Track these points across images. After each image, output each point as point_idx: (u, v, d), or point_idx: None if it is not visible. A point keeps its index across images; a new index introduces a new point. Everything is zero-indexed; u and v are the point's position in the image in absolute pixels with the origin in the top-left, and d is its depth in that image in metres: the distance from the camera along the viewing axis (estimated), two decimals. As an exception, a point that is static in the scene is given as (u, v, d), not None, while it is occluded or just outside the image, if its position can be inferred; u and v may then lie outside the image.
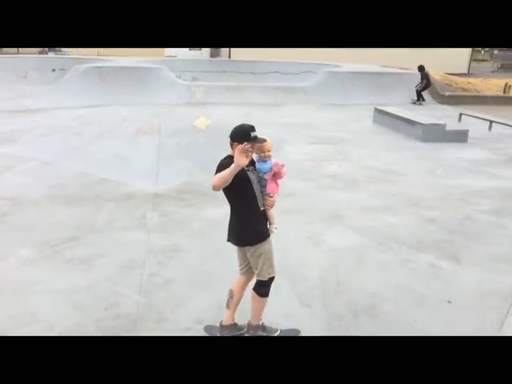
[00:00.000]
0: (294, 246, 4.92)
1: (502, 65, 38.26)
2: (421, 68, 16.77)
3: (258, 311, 3.35)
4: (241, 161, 2.82)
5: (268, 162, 3.24)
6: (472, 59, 36.52)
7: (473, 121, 12.32)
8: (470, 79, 22.85)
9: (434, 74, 18.99)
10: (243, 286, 3.38)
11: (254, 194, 3.18)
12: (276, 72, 20.71)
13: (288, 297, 4.00)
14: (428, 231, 5.43)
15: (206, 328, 3.48)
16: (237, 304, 3.36)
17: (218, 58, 28.81)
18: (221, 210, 5.87)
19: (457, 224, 5.64)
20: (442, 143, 9.93)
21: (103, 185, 6.71)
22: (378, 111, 12.39)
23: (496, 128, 11.67)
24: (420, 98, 16.57)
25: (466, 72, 33.07)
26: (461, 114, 13.03)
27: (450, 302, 3.94)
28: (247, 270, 3.35)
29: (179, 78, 17.53)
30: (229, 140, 3.18)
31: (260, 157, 3.25)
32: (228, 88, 16.30)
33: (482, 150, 9.70)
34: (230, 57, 29.44)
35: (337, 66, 19.02)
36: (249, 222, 3.16)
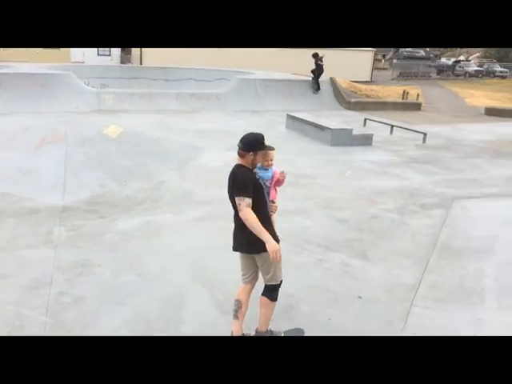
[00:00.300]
0: (211, 254, 4.90)
1: (400, 73, 41.39)
2: (315, 55, 17.77)
3: (268, 317, 3.39)
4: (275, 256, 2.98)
5: (269, 170, 3.32)
6: (374, 68, 39.12)
7: (376, 125, 13.15)
8: (373, 86, 24.41)
9: (341, 81, 20.03)
10: (249, 295, 3.41)
11: (266, 201, 3.26)
12: (190, 79, 20.61)
13: (207, 305, 3.98)
14: (339, 231, 5.69)
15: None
16: (245, 313, 3.37)
17: (129, 65, 28.05)
18: (134, 221, 5.73)
19: (365, 223, 5.97)
20: (350, 147, 10.49)
21: (3, 200, 6.21)
22: (290, 117, 12.79)
23: (397, 132, 12.56)
24: (316, 81, 17.88)
25: (369, 80, 35.36)
26: (365, 119, 13.87)
27: (360, 297, 4.15)
28: (252, 278, 3.40)
29: (87, 84, 16.80)
30: (239, 149, 3.19)
31: (262, 165, 3.28)
32: (140, 95, 15.92)
33: (385, 152, 10.38)
34: (141, 63, 28.78)
35: (249, 73, 19.37)
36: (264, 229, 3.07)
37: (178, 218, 5.93)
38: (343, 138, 10.78)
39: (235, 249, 3.40)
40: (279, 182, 3.38)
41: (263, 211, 3.18)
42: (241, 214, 3.04)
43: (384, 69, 52.37)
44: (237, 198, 3.06)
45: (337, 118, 13.65)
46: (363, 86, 22.92)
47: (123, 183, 7.14)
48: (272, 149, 3.31)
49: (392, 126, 12.76)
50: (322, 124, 11.33)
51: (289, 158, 9.38)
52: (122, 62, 31.69)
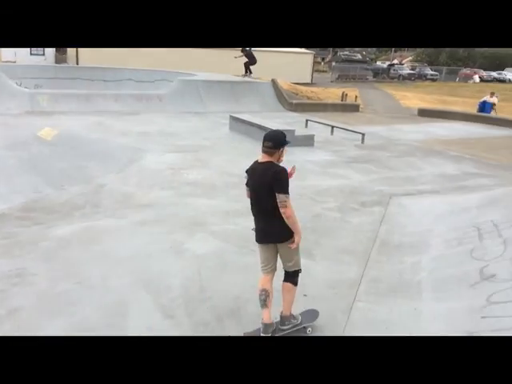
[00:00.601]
0: (155, 258, 4.81)
1: (339, 75, 42.72)
2: (244, 49, 18.80)
3: (291, 301, 3.69)
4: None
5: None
6: (314, 70, 40.08)
7: (317, 126, 13.47)
8: (313, 88, 25.01)
9: (282, 83, 20.34)
10: (272, 284, 3.65)
11: None
12: (130, 80, 20.12)
13: (150, 310, 3.89)
14: (284, 231, 5.75)
15: (247, 334, 3.59)
16: (272, 301, 3.60)
17: (65, 64, 26.94)
18: (73, 227, 5.50)
19: (309, 222, 6.08)
20: (292, 147, 10.60)
21: None
22: (234, 119, 12.80)
23: (337, 132, 12.93)
24: (248, 71, 19.22)
25: (310, 82, 36.17)
26: (307, 121, 14.16)
27: (305, 295, 4.23)
28: (272, 268, 3.66)
29: (19, 85, 15.95)
30: (269, 147, 3.52)
31: (278, 161, 3.55)
32: (77, 96, 15.33)
33: (326, 152, 10.65)
34: (78, 63, 27.77)
35: (191, 74, 19.20)
36: (284, 221, 3.45)
37: (119, 222, 5.76)
38: (286, 139, 10.92)
39: (262, 241, 3.65)
40: (290, 176, 3.61)
41: None
42: (286, 210, 3.42)
43: (324, 71, 53.83)
44: (282, 196, 3.41)
45: (279, 120, 13.83)
46: (304, 88, 23.42)
47: (60, 188, 6.84)
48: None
49: (332, 127, 13.11)
50: (265, 125, 11.42)
51: (233, 159, 9.40)
52: (57, 61, 30.42)
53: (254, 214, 3.77)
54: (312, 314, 3.89)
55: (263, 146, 3.56)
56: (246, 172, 3.88)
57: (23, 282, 4.20)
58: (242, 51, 18.93)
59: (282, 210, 3.43)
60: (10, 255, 4.69)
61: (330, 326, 3.78)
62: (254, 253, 5.05)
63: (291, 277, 3.68)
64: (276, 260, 3.65)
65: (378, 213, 6.51)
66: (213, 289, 4.26)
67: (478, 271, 4.18)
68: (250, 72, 19.55)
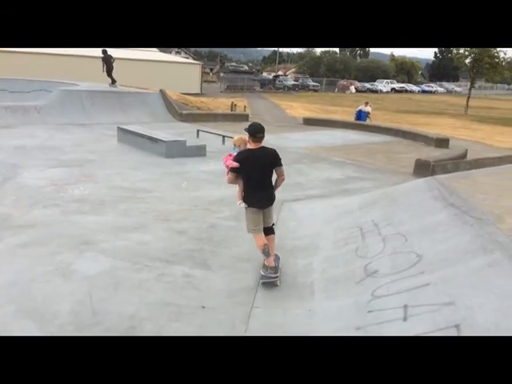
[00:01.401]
0: (40, 283, 4.42)
1: (228, 86, 43.59)
2: (104, 52, 18.87)
3: (274, 245, 5.06)
4: None
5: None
6: (203, 80, 40.38)
7: (209, 136, 13.55)
8: (203, 98, 25.14)
9: (172, 94, 20.15)
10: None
11: None
12: (4, 90, 18.42)
13: (37, 341, 3.56)
14: (180, 243, 5.67)
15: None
16: (268, 250, 4.73)
17: None
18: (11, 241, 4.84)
19: (204, 232, 6.07)
20: (184, 158, 10.59)
21: None
22: (122, 130, 12.37)
23: (228, 142, 13.11)
24: (112, 80, 19.22)
25: (199, 92, 36.35)
26: (198, 131, 14.18)
27: (203, 307, 4.19)
28: (262, 227, 4.84)
29: None
30: (261, 136, 4.73)
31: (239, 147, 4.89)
32: None
33: (218, 162, 10.72)
34: None
35: (74, 84, 18.17)
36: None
37: (-5, 247, 5.20)
38: (177, 150, 10.84)
39: (266, 206, 4.87)
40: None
41: None
42: (283, 177, 4.87)
43: (213, 82, 54.47)
44: (281, 168, 4.82)
45: (170, 130, 13.66)
46: (194, 99, 23.44)
47: None
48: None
49: (223, 137, 13.28)
50: (156, 136, 11.22)
51: (123, 171, 9.07)
52: None
53: (253, 188, 4.73)
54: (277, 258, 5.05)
55: (256, 136, 4.64)
56: (239, 161, 4.64)
57: None
58: (104, 53, 18.78)
59: (282, 178, 4.83)
60: None
61: (230, 335, 3.79)
62: (148, 268, 4.91)
63: (272, 229, 5.02)
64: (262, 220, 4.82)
65: (270, 219, 6.71)
66: (106, 310, 4.03)
67: (363, 268, 4.51)
68: (114, 81, 19.37)
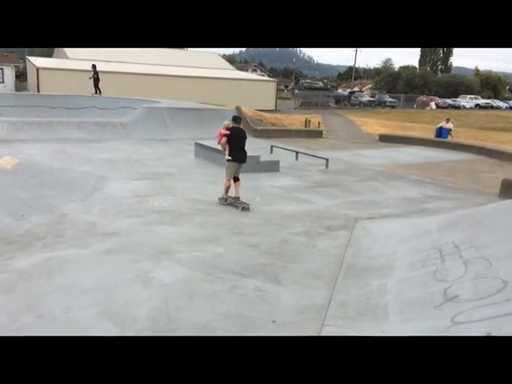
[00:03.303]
0: (121, 288, 4.68)
1: (302, 102, 43.74)
2: (93, 66, 20.71)
3: (240, 188, 7.95)
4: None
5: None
6: (278, 97, 40.90)
7: (282, 152, 13.67)
8: (278, 115, 25.47)
9: (247, 110, 20.64)
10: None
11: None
12: (93, 107, 19.93)
13: (117, 343, 3.76)
14: (251, 256, 5.75)
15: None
16: (228, 190, 7.84)
17: (25, 92, 26.45)
18: (34, 258, 5.31)
19: (276, 247, 6.11)
20: (258, 173, 10.76)
21: None
22: (199, 145, 12.83)
23: (301, 158, 13.16)
24: (97, 91, 20.61)
25: (274, 108, 36.84)
26: (272, 147, 14.36)
27: (274, 321, 4.20)
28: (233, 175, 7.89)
29: (-23, 112, 15.52)
30: (239, 122, 8.15)
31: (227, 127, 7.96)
32: (39, 124, 15.04)
33: (291, 177, 10.80)
34: (38, 90, 27.32)
35: (156, 101, 19.22)
36: None
37: (82, 252, 5.60)
38: (251, 165, 11.00)
39: (244, 161, 8.06)
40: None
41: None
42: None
43: (287, 98, 54.98)
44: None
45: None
46: (268, 115, 23.81)
47: (20, 218, 6.61)
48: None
49: (297, 153, 13.33)
50: (231, 151, 11.50)
51: (200, 185, 9.40)
52: (18, 89, 29.83)
53: (236, 150, 7.89)
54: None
55: (237, 121, 8.12)
56: (231, 129, 7.89)
57: (-20, 318, 3.99)
58: (93, 71, 20.33)
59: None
60: (-35, 290, 4.47)
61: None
62: (221, 279, 5.02)
63: (238, 178, 8.01)
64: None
65: (343, 237, 6.61)
66: (180, 318, 4.18)
67: (442, 292, 4.28)
68: (100, 92, 20.70)
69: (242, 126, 8.12)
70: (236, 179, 7.95)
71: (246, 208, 7.60)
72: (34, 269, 5.04)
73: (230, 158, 7.86)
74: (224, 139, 7.84)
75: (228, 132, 7.82)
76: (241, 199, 7.75)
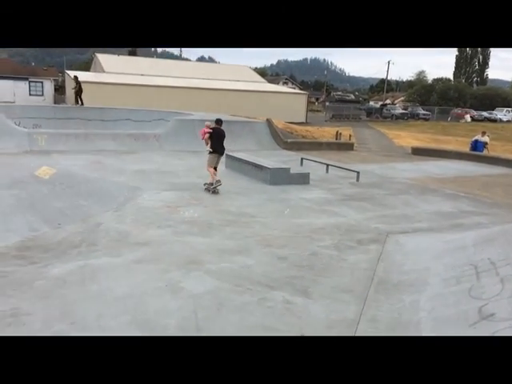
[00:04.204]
0: (151, 297, 4.74)
1: (333, 115, 43.58)
2: (75, 77, 21.53)
3: (217, 174, 9.98)
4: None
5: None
6: (308, 110, 40.90)
7: (313, 164, 13.63)
8: (308, 127, 25.43)
9: (278, 122, 20.71)
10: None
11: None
12: (127, 119, 20.45)
13: (147, 352, 3.80)
14: (281, 269, 5.73)
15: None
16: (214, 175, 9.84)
17: (63, 105, 27.38)
18: (69, 266, 5.46)
19: (305, 260, 6.07)
20: (288, 185, 10.75)
21: None
22: (230, 157, 12.94)
23: (332, 170, 13.07)
24: (78, 101, 21.07)
25: (304, 121, 36.84)
26: (302, 159, 14.33)
27: (303, 335, 4.16)
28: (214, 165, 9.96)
29: (18, 125, 16.17)
30: (220, 124, 10.14)
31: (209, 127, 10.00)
32: (76, 135, 15.53)
33: (322, 190, 10.74)
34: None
35: (188, 114, 19.55)
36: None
37: (115, 260, 5.72)
38: (281, 177, 11.06)
39: (220, 154, 10.11)
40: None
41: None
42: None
43: (318, 111, 54.93)
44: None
45: (275, 158, 14.00)
46: (299, 127, 23.83)
47: (57, 226, 6.82)
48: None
49: (327, 165, 13.26)
50: (261, 163, 11.57)
51: (229, 196, 9.46)
52: (56, 102, 30.92)
53: (217, 144, 9.86)
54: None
55: (219, 122, 10.06)
56: (213, 129, 9.82)
57: (17, 322, 4.12)
58: (76, 82, 20.93)
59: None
60: (4, 295, 4.63)
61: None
62: (250, 291, 5.02)
63: (216, 168, 9.91)
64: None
65: (374, 251, 6.50)
66: (209, 329, 4.19)
67: (477, 310, 4.14)
68: (82, 102, 21.15)
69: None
70: (215, 168, 9.98)
71: (216, 191, 9.59)
72: (68, 276, 5.18)
73: (210, 150, 9.92)
74: (207, 135, 9.81)
75: (211, 130, 9.81)
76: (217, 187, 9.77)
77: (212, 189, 9.63)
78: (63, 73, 47.39)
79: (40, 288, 4.85)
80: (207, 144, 9.96)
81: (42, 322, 4.15)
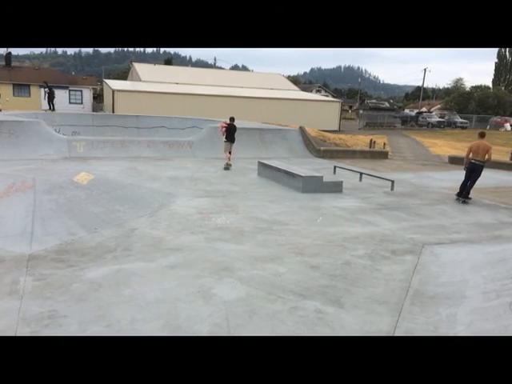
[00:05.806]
0: (184, 302, 4.78)
1: (367, 123, 43.09)
2: (45, 82, 23.39)
3: (232, 157, 14.50)
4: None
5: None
6: (342, 118, 40.61)
7: (346, 173, 13.49)
8: (341, 135, 25.19)
9: (310, 130, 20.63)
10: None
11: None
12: (162, 127, 20.86)
13: (178, 357, 3.83)
14: (313, 278, 5.67)
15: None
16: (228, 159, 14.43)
17: (101, 113, 28.17)
18: (104, 269, 5.58)
19: (338, 269, 5.98)
20: (321, 194, 10.67)
21: (-35, 248, 5.96)
22: (262, 164, 12.98)
23: (365, 179, 12.89)
24: (51, 106, 22.46)
25: (337, 129, 36.57)
26: (335, 167, 14.21)
27: (336, 345, 4.09)
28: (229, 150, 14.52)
29: (58, 132, 16.74)
30: (233, 121, 14.57)
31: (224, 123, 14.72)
32: (112, 142, 15.94)
33: (355, 199, 10.59)
34: (114, 111, 28.97)
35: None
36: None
37: (148, 265, 5.80)
38: (314, 185, 10.98)
39: (232, 142, 14.34)
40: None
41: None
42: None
43: (351, 119, 54.44)
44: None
45: (307, 166, 13.94)
46: (332, 135, 23.64)
47: (93, 231, 6.99)
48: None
49: (361, 174, 13.10)
50: (293, 171, 11.54)
51: (261, 204, 9.46)
52: (94, 110, 31.85)
53: (231, 136, 14.16)
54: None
55: (232, 120, 14.43)
56: (228, 124, 14.23)
57: (54, 324, 4.23)
58: (46, 87, 21.91)
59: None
60: (42, 297, 4.76)
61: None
62: (282, 299, 4.98)
63: (231, 152, 14.29)
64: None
65: (410, 262, 6.35)
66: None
67: (519, 325, 3.98)
68: (54, 108, 22.08)
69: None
70: (230, 153, 14.21)
71: (228, 168, 13.97)
72: (103, 280, 5.29)
73: (226, 140, 14.15)
74: (224, 129, 14.11)
75: (226, 125, 14.17)
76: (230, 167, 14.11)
77: (225, 166, 14.03)
78: (101, 82, 48.87)
79: (76, 291, 4.97)
80: (223, 135, 14.12)
81: (78, 324, 4.25)
